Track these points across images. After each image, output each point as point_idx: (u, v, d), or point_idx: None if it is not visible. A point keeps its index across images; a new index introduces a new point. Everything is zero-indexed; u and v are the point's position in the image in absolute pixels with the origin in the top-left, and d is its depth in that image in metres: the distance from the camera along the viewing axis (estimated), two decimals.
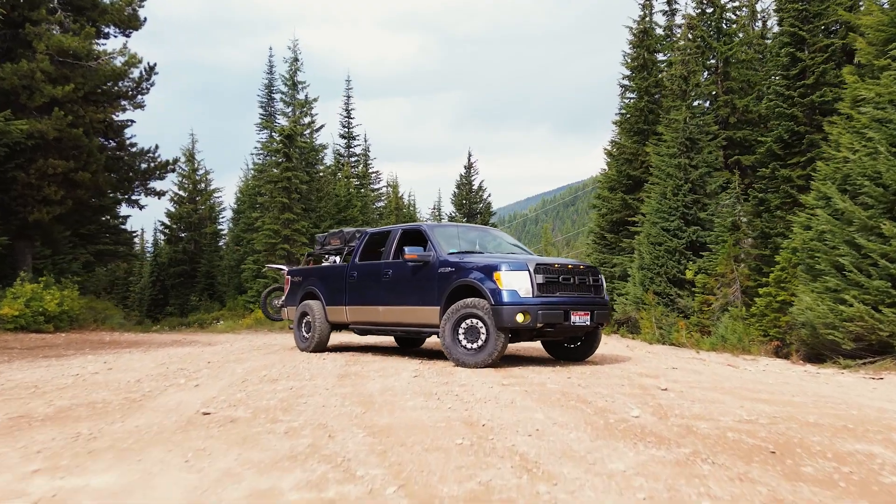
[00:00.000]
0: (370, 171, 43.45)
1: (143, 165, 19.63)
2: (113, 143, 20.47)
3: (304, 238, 28.78)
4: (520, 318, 7.83)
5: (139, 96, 19.00)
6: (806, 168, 13.08)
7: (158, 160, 20.42)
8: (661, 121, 20.14)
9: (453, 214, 48.09)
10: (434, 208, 49.44)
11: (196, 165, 43.52)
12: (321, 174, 32.56)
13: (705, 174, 15.67)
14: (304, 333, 10.92)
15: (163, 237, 44.18)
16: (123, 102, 18.71)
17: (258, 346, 12.61)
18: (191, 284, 41.76)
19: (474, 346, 8.16)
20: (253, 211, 31.80)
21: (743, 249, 13.18)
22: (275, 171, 29.30)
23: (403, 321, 9.29)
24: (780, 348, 10.82)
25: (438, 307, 8.59)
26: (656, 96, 20.29)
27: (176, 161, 21.86)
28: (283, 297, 11.59)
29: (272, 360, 9.53)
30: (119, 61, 16.97)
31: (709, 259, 14.06)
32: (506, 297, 7.89)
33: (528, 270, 8.02)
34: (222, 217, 45.45)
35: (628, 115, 20.32)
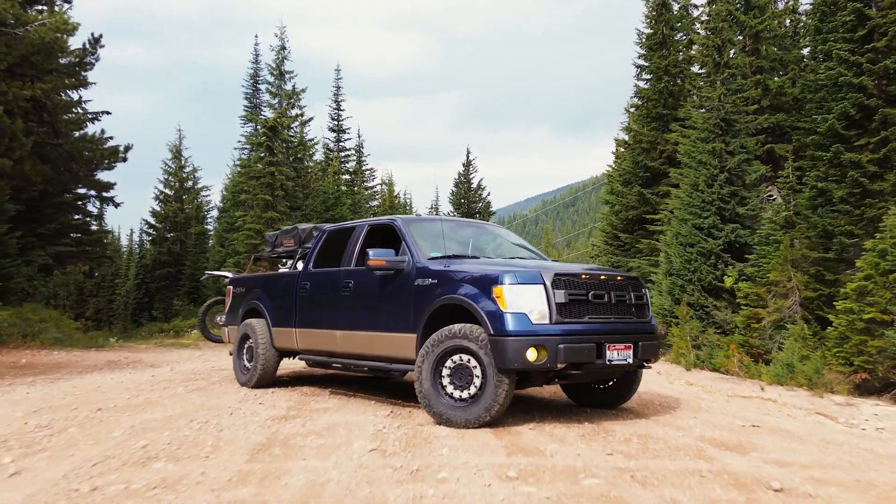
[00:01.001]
0: (364, 167, 40.79)
1: (87, 154, 16.89)
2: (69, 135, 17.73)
3: None
4: (531, 354, 5.13)
5: (82, 72, 16.23)
6: (879, 150, 10.37)
7: (104, 148, 17.59)
8: (684, 104, 17.46)
9: (452, 214, 45.39)
10: (431, 207, 46.76)
11: (183, 163, 40.82)
12: (310, 170, 29.86)
13: (743, 161, 12.96)
14: (246, 363, 8.19)
15: (147, 238, 41.50)
16: (75, 79, 15.95)
17: (201, 373, 9.90)
18: (176, 287, 39.01)
19: (464, 394, 5.43)
20: (236, 209, 29.11)
21: (800, 252, 10.45)
22: (258, 165, 26.63)
23: (367, 352, 6.57)
24: (867, 382, 8.12)
25: (414, 335, 5.89)
26: (677, 77, 17.58)
27: (128, 149, 19.09)
28: (224, 314, 8.89)
29: (190, 404, 6.83)
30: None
31: (755, 263, 11.34)
32: (511, 324, 5.18)
33: (544, 283, 5.31)
34: (210, 216, 42.78)
35: (645, 99, 17.60)
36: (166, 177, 40.14)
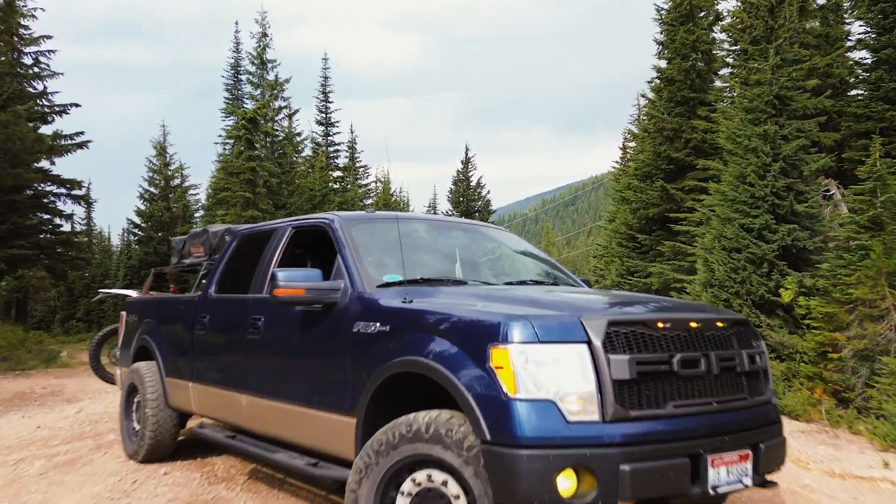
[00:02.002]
0: (357, 164, 38.13)
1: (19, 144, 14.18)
2: None
3: None
4: (566, 484, 2.51)
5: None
6: None
7: (35, 135, 14.82)
8: (712, 87, 14.81)
9: (450, 213, 42.74)
10: (430, 206, 44.12)
11: (168, 160, 38.11)
12: (298, 166, 27.20)
13: (800, 148, 10.28)
14: (134, 423, 5.56)
15: (133, 238, 38.82)
16: None
17: (101, 422, 7.26)
18: (163, 290, 36.40)
19: None
20: (218, 208, 26.45)
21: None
22: (237, 160, 23.99)
23: (281, 433, 3.94)
24: None
25: (352, 419, 3.27)
26: (704, 57, 14.91)
27: (79, 137, 16.44)
28: (119, 348, 6.25)
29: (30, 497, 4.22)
30: None
31: (827, 274, 8.67)
32: (526, 423, 2.55)
33: (588, 340, 2.68)
34: (197, 216, 40.07)
35: (667, 81, 14.89)
36: (151, 175, 37.49)
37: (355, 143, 38.17)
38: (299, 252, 4.44)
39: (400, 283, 3.51)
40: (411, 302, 3.20)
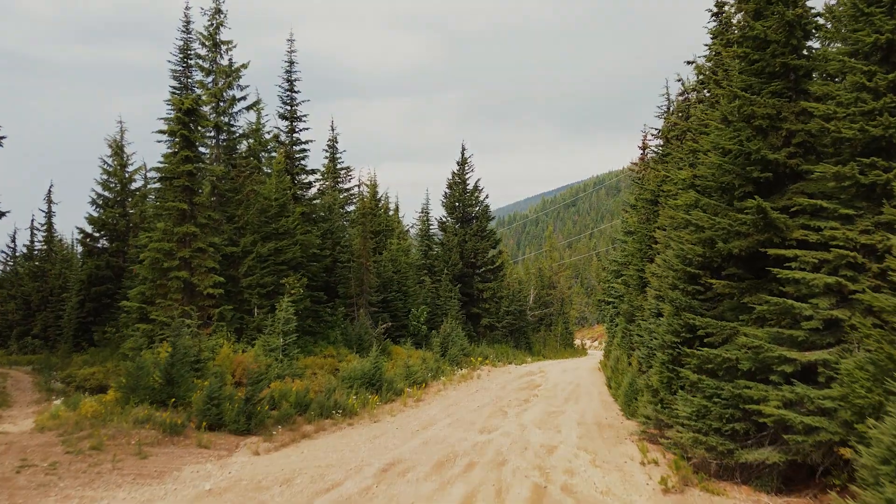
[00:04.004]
0: (339, 166, 32.81)
1: None
2: None
3: (214, 261, 18.17)
4: None
5: None
6: None
7: None
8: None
9: (444, 219, 37.44)
10: (422, 211, 38.79)
11: (126, 160, 32.80)
12: (254, 170, 21.88)
13: None
14: None
15: (83, 248, 33.55)
16: None
17: None
18: (114, 309, 31.15)
19: None
20: (157, 220, 21.18)
21: None
22: (169, 163, 18.72)
23: None
24: None
25: None
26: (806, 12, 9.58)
27: None
28: None
29: None
30: None
31: None
32: None
33: None
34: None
35: (757, 41, 9.57)
36: (105, 177, 32.17)
37: (336, 143, 32.88)
38: None
39: None
40: None
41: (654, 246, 20.50)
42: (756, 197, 8.44)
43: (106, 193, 31.99)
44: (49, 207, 42.21)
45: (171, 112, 19.87)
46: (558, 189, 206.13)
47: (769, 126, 9.14)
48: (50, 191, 42.38)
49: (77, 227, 37.66)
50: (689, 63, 18.19)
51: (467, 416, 13.84)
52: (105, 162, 32.18)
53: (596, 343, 69.47)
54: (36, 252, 43.68)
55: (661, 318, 12.11)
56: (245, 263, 18.89)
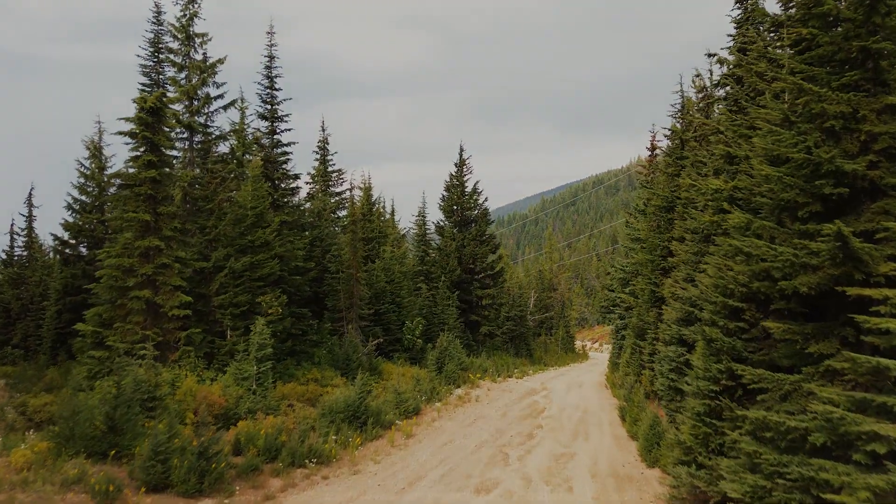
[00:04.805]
0: (330, 168, 30.78)
1: None
2: None
3: (181, 279, 16.14)
4: None
5: None
6: None
7: None
8: None
9: (441, 223, 35.40)
10: (418, 215, 36.75)
11: (104, 163, 30.73)
12: (228, 175, 19.84)
13: None
14: None
15: (58, 256, 31.51)
16: None
17: None
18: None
19: None
20: (120, 232, 19.13)
21: None
22: (130, 168, 16.70)
23: None
24: None
25: None
26: None
27: None
28: None
29: None
30: None
31: None
32: None
33: None
34: None
35: (826, 20, 7.57)
36: (82, 181, 30.08)
37: (327, 144, 30.84)
38: None
39: None
40: None
41: (668, 259, 18.50)
42: (836, 221, 6.40)
43: (83, 198, 29.92)
44: (30, 211, 39.94)
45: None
46: (558, 188, 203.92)
47: (842, 128, 7.12)
48: (31, 193, 40.09)
49: (52, 234, 35.60)
50: (710, 56, 16.11)
51: (462, 465, 11.85)
52: (82, 164, 30.12)
53: (597, 345, 67.46)
54: (16, 258, 41.59)
55: (692, 354, 10.10)
56: (217, 280, 16.88)
